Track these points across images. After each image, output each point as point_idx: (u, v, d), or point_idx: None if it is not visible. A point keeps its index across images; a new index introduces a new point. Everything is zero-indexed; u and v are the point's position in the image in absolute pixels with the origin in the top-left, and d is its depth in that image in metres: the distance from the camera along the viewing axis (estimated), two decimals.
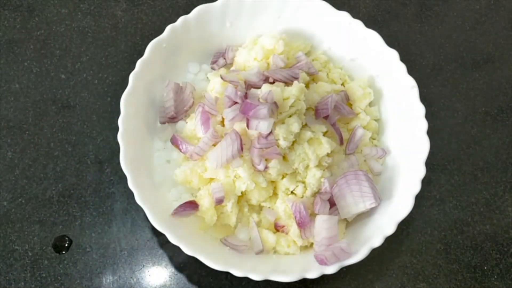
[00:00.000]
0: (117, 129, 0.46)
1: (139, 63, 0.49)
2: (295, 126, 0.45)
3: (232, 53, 0.55)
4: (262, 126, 0.44)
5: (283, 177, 0.47)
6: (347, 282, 0.50)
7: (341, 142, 0.50)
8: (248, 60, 0.52)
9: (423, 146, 0.46)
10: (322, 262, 0.42)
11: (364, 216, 0.47)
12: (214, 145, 0.47)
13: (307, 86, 0.51)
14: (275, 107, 0.45)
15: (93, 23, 0.63)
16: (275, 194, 0.48)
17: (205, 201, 0.46)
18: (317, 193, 0.47)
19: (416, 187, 0.45)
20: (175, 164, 0.50)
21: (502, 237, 0.53)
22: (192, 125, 0.50)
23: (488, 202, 0.55)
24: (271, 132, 0.44)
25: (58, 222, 0.52)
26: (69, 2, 0.64)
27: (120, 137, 0.46)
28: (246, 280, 0.42)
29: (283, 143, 0.44)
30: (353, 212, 0.46)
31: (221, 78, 0.49)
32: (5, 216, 0.52)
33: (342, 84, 0.54)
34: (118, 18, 0.63)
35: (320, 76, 0.53)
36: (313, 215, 0.46)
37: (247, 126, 0.44)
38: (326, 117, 0.49)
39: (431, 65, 0.62)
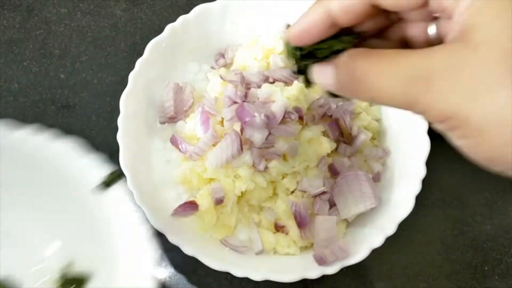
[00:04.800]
0: (116, 129, 0.46)
1: (138, 62, 0.49)
2: (295, 127, 0.45)
3: (232, 53, 0.55)
4: (256, 137, 0.43)
5: (283, 177, 0.46)
6: (347, 282, 0.50)
7: (336, 138, 0.49)
8: (248, 60, 0.52)
9: (424, 146, 0.46)
10: (321, 261, 0.42)
11: (364, 216, 0.47)
12: (214, 145, 0.46)
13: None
14: (272, 117, 0.44)
15: (92, 22, 0.62)
16: (275, 194, 0.48)
17: (205, 201, 0.46)
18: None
19: (416, 187, 0.45)
20: (174, 164, 0.50)
21: (503, 237, 0.53)
22: (191, 125, 0.50)
23: (489, 202, 0.54)
24: (270, 133, 0.44)
25: None
26: (68, 1, 0.64)
27: (119, 137, 0.46)
28: (246, 280, 0.42)
29: (282, 145, 0.44)
30: (353, 212, 0.45)
31: (221, 78, 0.49)
32: None
33: None
34: (117, 17, 0.63)
35: None
36: (313, 215, 0.46)
37: (241, 131, 0.44)
38: (330, 116, 0.49)
39: None
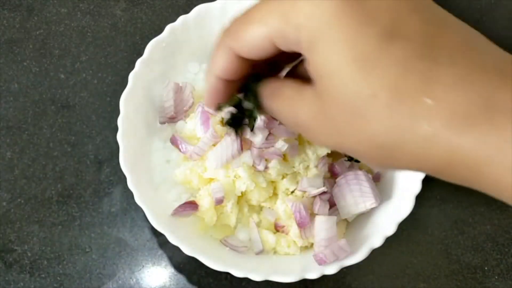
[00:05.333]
0: (116, 129, 0.46)
1: (138, 62, 0.49)
2: None
3: None
4: (256, 138, 0.43)
5: (283, 177, 0.46)
6: (347, 283, 0.50)
7: None
8: None
9: None
10: (321, 261, 0.42)
11: (364, 216, 0.47)
12: (214, 145, 0.46)
13: None
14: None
15: (92, 22, 0.62)
16: (275, 194, 0.48)
17: (205, 201, 0.45)
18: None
19: (417, 187, 0.45)
20: (174, 164, 0.50)
21: (503, 237, 0.53)
22: (191, 125, 0.49)
23: (488, 202, 0.54)
24: (271, 133, 0.44)
25: (57, 222, 0.52)
26: (68, 1, 0.64)
27: (119, 137, 0.46)
28: (246, 280, 0.42)
29: (282, 145, 0.44)
30: (353, 212, 0.45)
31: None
32: (4, 216, 0.52)
33: None
34: (117, 17, 0.63)
35: None
36: (313, 215, 0.46)
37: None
38: None
39: None
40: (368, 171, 0.50)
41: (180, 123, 0.51)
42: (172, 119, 0.51)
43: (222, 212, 0.47)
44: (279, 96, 0.28)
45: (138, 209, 0.51)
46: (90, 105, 0.58)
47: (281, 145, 0.44)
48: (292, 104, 0.27)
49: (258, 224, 0.48)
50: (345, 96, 0.23)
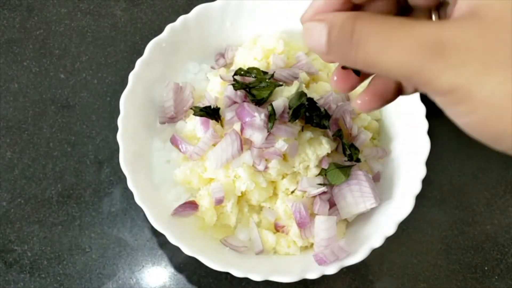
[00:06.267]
0: (116, 129, 0.46)
1: (138, 62, 0.49)
2: (295, 127, 0.45)
3: (232, 53, 0.55)
4: (256, 137, 0.43)
5: (283, 177, 0.46)
6: (347, 283, 0.50)
7: (335, 139, 0.49)
8: (248, 60, 0.52)
9: (424, 146, 0.46)
10: (321, 261, 0.42)
11: (364, 216, 0.47)
12: (214, 145, 0.46)
13: (307, 86, 0.51)
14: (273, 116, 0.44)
15: (92, 22, 0.62)
16: (275, 194, 0.48)
17: (205, 201, 0.46)
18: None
19: (417, 187, 0.45)
20: (174, 164, 0.50)
21: (503, 237, 0.53)
22: (191, 125, 0.50)
23: (488, 202, 0.54)
24: (270, 133, 0.44)
25: (57, 222, 0.52)
26: (68, 1, 0.64)
27: (119, 137, 0.46)
28: (246, 280, 0.42)
29: (282, 145, 0.44)
30: (353, 212, 0.45)
31: (221, 78, 0.49)
32: (4, 216, 0.52)
33: None
34: (117, 17, 0.63)
35: (320, 76, 0.53)
36: (313, 215, 0.46)
37: (241, 131, 0.44)
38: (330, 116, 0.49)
39: None
40: (368, 171, 0.50)
41: (180, 123, 0.51)
42: (172, 119, 0.51)
43: (222, 212, 0.47)
44: (383, 20, 0.22)
45: (138, 209, 0.51)
46: (90, 105, 0.58)
47: (281, 145, 0.44)
48: (411, 25, 0.21)
49: (258, 224, 0.48)
50: None
